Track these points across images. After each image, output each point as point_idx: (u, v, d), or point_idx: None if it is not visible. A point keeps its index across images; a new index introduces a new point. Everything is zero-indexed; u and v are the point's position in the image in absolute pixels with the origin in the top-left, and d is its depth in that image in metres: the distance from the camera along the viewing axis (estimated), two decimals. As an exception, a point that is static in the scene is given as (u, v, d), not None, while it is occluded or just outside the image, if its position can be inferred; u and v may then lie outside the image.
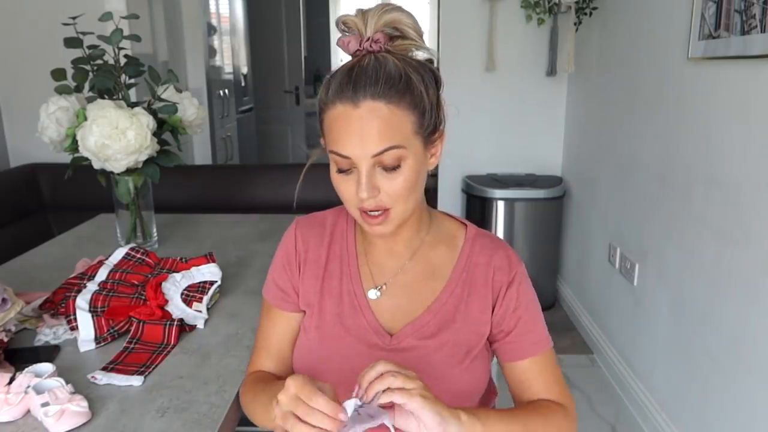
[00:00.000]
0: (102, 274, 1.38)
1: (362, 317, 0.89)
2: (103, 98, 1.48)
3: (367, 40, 0.78)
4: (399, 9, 0.80)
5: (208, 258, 1.49)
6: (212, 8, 3.92)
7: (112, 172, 1.53)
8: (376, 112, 0.75)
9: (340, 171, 0.80)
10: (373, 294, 0.90)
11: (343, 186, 0.81)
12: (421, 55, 0.82)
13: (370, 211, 0.80)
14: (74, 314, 1.19)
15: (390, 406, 0.69)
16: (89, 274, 1.40)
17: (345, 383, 0.86)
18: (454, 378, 0.86)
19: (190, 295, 1.31)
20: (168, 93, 1.55)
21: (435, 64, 0.85)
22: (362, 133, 0.75)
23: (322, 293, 0.92)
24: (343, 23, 0.81)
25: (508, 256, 0.91)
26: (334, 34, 7.61)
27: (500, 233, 2.92)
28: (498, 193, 2.92)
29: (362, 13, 0.79)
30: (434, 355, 0.87)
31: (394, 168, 0.78)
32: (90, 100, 1.48)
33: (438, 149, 0.85)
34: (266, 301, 0.97)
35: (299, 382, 0.67)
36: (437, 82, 0.82)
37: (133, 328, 1.17)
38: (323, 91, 0.80)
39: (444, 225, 0.95)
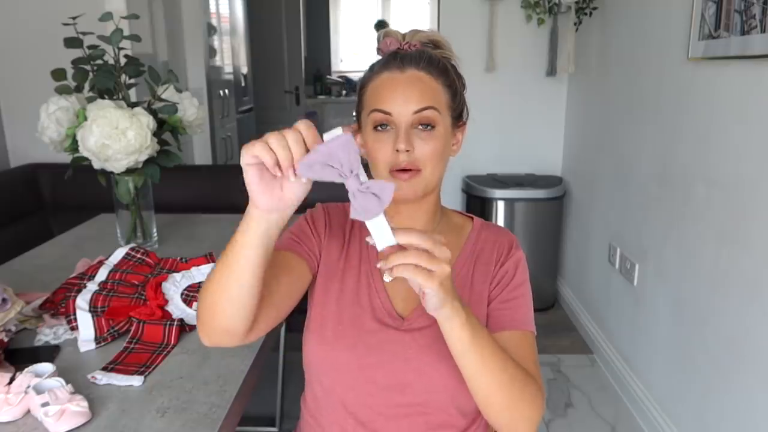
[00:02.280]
0: (102, 274, 1.38)
1: (377, 298, 0.93)
2: (103, 98, 1.48)
3: (406, 43, 0.90)
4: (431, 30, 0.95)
5: (208, 258, 1.49)
6: (212, 8, 3.92)
7: (112, 172, 1.53)
8: (419, 78, 0.86)
9: (378, 127, 0.86)
10: (387, 277, 0.93)
11: (378, 145, 0.86)
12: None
13: (402, 169, 0.85)
14: (74, 314, 1.19)
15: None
16: (89, 274, 1.40)
17: (360, 359, 0.89)
18: None
19: (190, 295, 1.31)
20: (168, 93, 1.55)
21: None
22: (405, 92, 0.85)
23: (343, 272, 0.95)
24: (385, 34, 0.92)
25: (511, 241, 0.98)
26: (334, 35, 7.59)
27: (500, 233, 2.92)
28: (498, 193, 2.92)
29: (400, 32, 0.92)
30: None
31: (429, 128, 0.85)
32: (90, 100, 1.48)
33: (459, 139, 0.94)
34: None
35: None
36: (462, 83, 0.95)
37: (133, 328, 1.17)
38: (367, 72, 0.91)
39: (453, 218, 1.03)
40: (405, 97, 0.85)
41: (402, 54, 0.88)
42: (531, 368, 0.88)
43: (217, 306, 0.75)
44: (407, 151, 0.84)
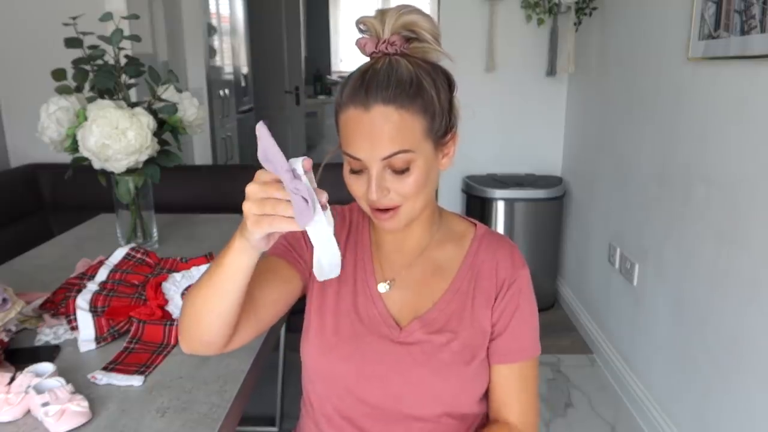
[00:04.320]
0: (102, 274, 1.38)
1: (374, 308, 0.91)
2: (104, 98, 1.48)
3: (383, 42, 0.79)
4: (417, 11, 0.81)
5: (208, 258, 1.49)
6: (212, 8, 3.92)
7: (112, 172, 1.53)
8: (386, 117, 0.77)
9: (353, 171, 0.83)
10: (382, 287, 0.93)
11: (356, 185, 0.83)
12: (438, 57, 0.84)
13: (381, 208, 0.83)
14: (74, 314, 1.19)
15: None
16: (89, 274, 1.40)
17: (356, 370, 0.88)
18: (460, 377, 0.87)
19: (190, 295, 1.31)
20: (168, 93, 1.55)
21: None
22: (372, 137, 0.77)
23: (339, 280, 0.92)
24: (362, 24, 0.82)
25: (513, 256, 0.93)
26: (334, 35, 7.60)
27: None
28: (498, 193, 2.92)
29: (381, 14, 0.81)
30: (443, 350, 0.88)
31: (403, 171, 0.80)
32: (90, 100, 1.48)
33: (451, 150, 0.87)
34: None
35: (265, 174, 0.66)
36: (450, 85, 0.84)
37: (133, 328, 1.17)
38: (339, 93, 0.82)
39: (454, 225, 0.97)
40: (372, 144, 0.77)
41: (368, 79, 0.78)
42: (524, 399, 0.90)
43: (201, 319, 0.76)
44: (383, 196, 0.80)
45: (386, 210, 0.83)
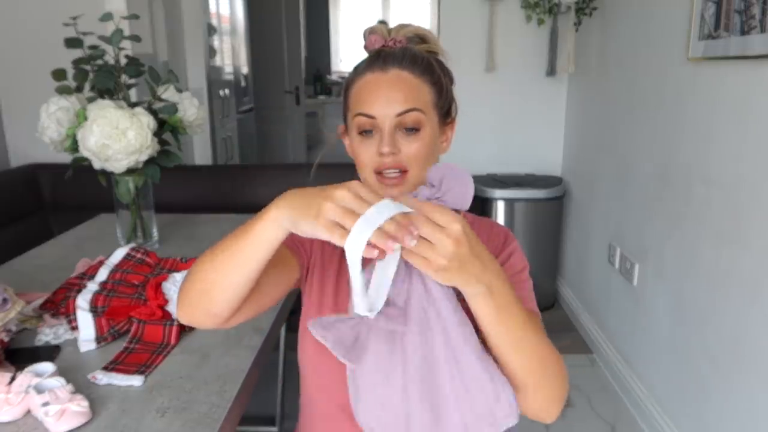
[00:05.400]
0: (102, 274, 1.38)
1: None
2: (104, 98, 1.48)
3: (391, 39, 0.88)
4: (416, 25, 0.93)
5: (209, 258, 1.49)
6: (212, 8, 3.91)
7: (112, 172, 1.53)
8: (402, 78, 0.85)
9: (362, 133, 0.85)
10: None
11: (363, 148, 0.85)
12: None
13: (387, 171, 0.84)
14: (74, 314, 1.19)
15: None
16: (89, 274, 1.40)
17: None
18: None
19: (191, 295, 1.31)
20: (168, 93, 1.56)
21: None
22: (389, 94, 0.84)
23: (338, 272, 0.93)
24: (370, 31, 0.91)
25: (505, 232, 0.97)
26: (334, 35, 7.60)
27: (500, 233, 2.92)
28: (498, 193, 2.92)
29: (386, 27, 0.91)
30: None
31: (413, 130, 0.84)
32: (90, 100, 1.48)
33: (449, 136, 0.93)
34: None
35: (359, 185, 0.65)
36: (450, 77, 0.93)
37: (133, 328, 1.17)
38: (352, 73, 0.90)
39: None
40: (388, 99, 0.83)
41: (385, 53, 0.86)
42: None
43: (213, 290, 0.75)
44: (393, 153, 0.83)
45: (393, 176, 0.85)
